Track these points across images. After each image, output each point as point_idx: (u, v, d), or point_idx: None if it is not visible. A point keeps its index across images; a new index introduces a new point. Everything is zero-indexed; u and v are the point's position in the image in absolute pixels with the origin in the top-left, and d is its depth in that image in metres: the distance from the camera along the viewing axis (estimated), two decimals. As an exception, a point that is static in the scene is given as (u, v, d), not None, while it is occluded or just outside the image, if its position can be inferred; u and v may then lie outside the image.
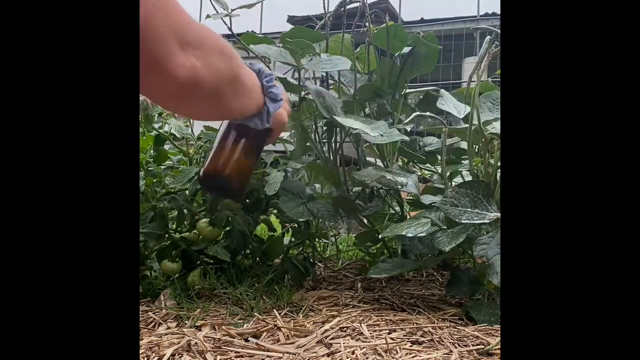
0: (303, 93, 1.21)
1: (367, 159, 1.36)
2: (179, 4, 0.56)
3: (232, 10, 1.08)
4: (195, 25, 0.58)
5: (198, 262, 1.22)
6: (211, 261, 1.22)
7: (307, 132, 1.24)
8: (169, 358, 0.74)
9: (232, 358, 0.75)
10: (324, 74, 1.34)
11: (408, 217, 1.30)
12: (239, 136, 0.85)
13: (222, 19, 1.10)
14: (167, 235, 1.19)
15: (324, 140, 1.30)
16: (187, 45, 0.55)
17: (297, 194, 1.16)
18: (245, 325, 0.88)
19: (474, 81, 1.06)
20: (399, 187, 1.11)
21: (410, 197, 1.36)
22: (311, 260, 1.33)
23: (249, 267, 1.21)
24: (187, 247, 1.17)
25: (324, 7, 1.28)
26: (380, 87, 1.26)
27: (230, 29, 1.12)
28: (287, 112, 0.92)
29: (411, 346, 0.78)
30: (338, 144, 1.24)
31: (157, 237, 1.14)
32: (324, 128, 1.26)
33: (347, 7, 1.27)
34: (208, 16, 1.11)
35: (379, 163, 1.32)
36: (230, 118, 0.83)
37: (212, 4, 1.07)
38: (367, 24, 1.25)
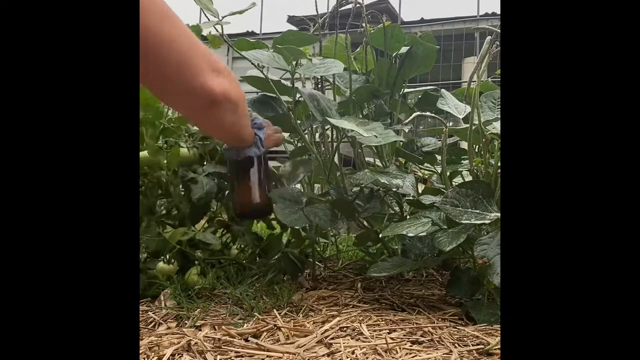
0: (298, 96, 1.21)
1: (366, 159, 1.36)
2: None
3: (223, 17, 1.08)
4: (216, 56, 0.77)
5: (195, 261, 1.22)
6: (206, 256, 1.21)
7: (302, 134, 1.24)
8: (169, 358, 0.74)
9: (232, 358, 0.75)
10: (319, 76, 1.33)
11: (408, 217, 1.30)
12: (246, 168, 1.06)
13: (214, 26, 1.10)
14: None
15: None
16: (217, 70, 0.75)
17: (293, 200, 1.11)
18: (245, 325, 0.88)
19: (474, 81, 1.06)
20: (395, 189, 1.10)
21: (410, 198, 1.36)
22: (308, 254, 1.32)
23: (245, 261, 1.21)
24: (181, 248, 1.17)
25: (316, 8, 1.28)
26: (376, 88, 1.26)
27: (222, 35, 1.12)
28: (275, 130, 1.04)
29: (411, 346, 0.78)
30: (335, 144, 1.23)
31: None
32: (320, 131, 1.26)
33: (345, 7, 1.27)
34: (197, 25, 1.10)
35: (378, 162, 1.32)
36: (241, 138, 1.00)
37: (203, 12, 1.08)
38: (363, 24, 1.25)
